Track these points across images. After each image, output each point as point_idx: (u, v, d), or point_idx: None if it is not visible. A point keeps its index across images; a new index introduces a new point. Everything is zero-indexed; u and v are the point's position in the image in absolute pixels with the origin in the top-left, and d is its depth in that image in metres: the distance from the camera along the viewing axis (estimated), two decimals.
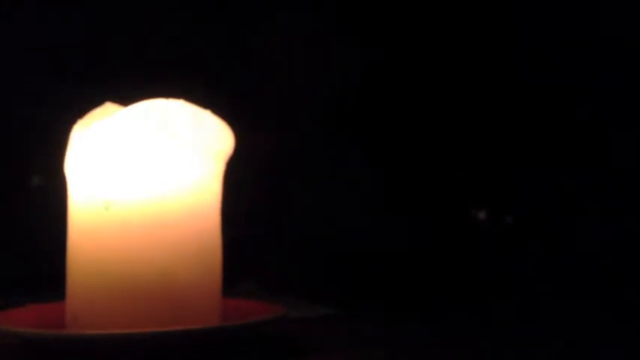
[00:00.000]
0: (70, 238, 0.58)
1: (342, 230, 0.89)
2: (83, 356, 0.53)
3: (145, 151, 0.57)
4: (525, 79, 0.88)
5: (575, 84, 0.86)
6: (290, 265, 0.86)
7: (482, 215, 0.89)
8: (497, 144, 0.90)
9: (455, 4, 0.89)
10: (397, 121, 0.91)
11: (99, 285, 0.56)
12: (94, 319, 0.55)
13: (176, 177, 0.57)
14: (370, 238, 0.88)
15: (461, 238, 0.89)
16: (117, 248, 0.56)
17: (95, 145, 0.57)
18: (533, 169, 0.88)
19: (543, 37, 0.87)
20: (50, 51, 0.87)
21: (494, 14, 0.89)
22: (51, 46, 0.87)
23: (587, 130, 0.87)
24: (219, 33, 0.90)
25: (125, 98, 0.59)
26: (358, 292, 0.81)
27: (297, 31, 0.91)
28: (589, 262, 0.83)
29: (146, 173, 0.57)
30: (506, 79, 0.89)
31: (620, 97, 0.85)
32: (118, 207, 0.56)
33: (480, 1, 0.89)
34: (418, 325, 0.70)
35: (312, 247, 0.87)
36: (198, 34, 0.90)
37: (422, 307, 0.78)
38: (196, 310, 0.56)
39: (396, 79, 0.91)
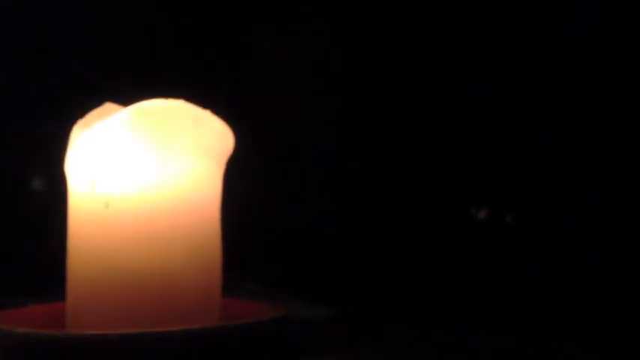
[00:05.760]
0: (70, 238, 0.58)
1: (342, 230, 0.89)
2: (83, 356, 0.53)
3: (144, 151, 0.57)
4: (525, 79, 0.88)
5: (575, 84, 0.86)
6: (290, 265, 0.86)
7: (482, 215, 0.89)
8: (498, 144, 0.90)
9: (454, 3, 0.89)
10: (397, 121, 0.91)
11: (99, 284, 0.56)
12: (94, 319, 0.55)
13: (176, 177, 0.57)
14: (370, 238, 0.88)
15: (461, 238, 0.89)
16: (117, 248, 0.56)
17: (95, 144, 0.57)
18: (533, 169, 0.88)
19: (543, 37, 0.87)
20: (50, 51, 0.87)
21: (494, 14, 0.89)
22: (51, 45, 0.87)
23: (586, 130, 0.87)
24: (220, 33, 0.90)
25: (125, 98, 0.59)
26: (358, 292, 0.81)
27: (297, 31, 0.91)
28: (589, 261, 0.83)
29: (146, 173, 0.57)
30: (505, 79, 0.89)
31: (620, 97, 0.85)
32: (118, 207, 0.56)
33: (480, 1, 0.89)
34: (418, 325, 0.70)
35: (311, 248, 0.87)
36: (199, 34, 0.90)
37: (422, 307, 0.78)
38: (196, 310, 0.56)
39: (396, 79, 0.91)
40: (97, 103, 0.60)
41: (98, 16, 0.88)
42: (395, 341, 0.64)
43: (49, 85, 0.87)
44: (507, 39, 0.88)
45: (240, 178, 0.62)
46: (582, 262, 0.83)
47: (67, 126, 0.59)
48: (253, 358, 0.59)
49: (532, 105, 0.88)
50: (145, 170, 0.57)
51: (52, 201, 0.66)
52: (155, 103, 0.57)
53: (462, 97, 0.89)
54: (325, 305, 0.75)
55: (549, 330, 0.67)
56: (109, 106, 0.60)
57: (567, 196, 0.87)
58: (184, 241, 0.57)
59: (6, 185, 0.87)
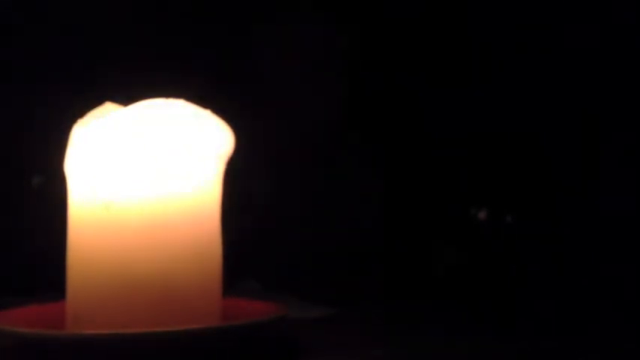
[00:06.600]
0: (70, 238, 0.58)
1: (342, 230, 0.89)
2: (83, 356, 0.53)
3: (145, 151, 0.57)
4: (525, 79, 0.88)
5: (575, 84, 0.86)
6: (290, 265, 0.86)
7: (482, 215, 0.89)
8: (498, 144, 0.90)
9: (454, 3, 0.89)
10: (397, 121, 0.91)
11: (99, 285, 0.56)
12: (94, 319, 0.55)
13: (176, 177, 0.57)
14: (370, 238, 0.88)
15: (461, 238, 0.89)
16: (117, 248, 0.56)
17: (95, 145, 0.57)
18: (532, 169, 0.88)
19: (543, 37, 0.87)
20: (50, 51, 0.87)
21: (494, 14, 0.89)
22: (51, 45, 0.87)
23: (586, 130, 0.87)
24: (220, 33, 0.90)
25: (125, 98, 0.59)
26: (357, 292, 0.81)
27: (297, 31, 0.91)
28: (589, 261, 0.83)
29: (146, 173, 0.57)
30: (505, 79, 0.89)
31: (620, 97, 0.85)
32: (118, 207, 0.56)
33: (480, 3, 0.89)
34: (418, 324, 0.70)
35: (312, 247, 0.87)
36: (199, 34, 0.90)
37: (422, 306, 0.78)
38: (196, 310, 0.56)
39: (397, 79, 0.91)
40: (97, 103, 0.60)
41: (98, 16, 0.88)
42: (395, 341, 0.64)
43: (49, 84, 0.87)
44: (507, 39, 0.88)
45: (240, 178, 0.62)
46: (582, 262, 0.83)
47: (67, 126, 0.59)
48: (253, 358, 0.58)
49: (532, 105, 0.88)
50: (144, 171, 0.57)
51: (52, 201, 0.65)
52: (155, 103, 0.57)
53: (462, 97, 0.89)
54: (325, 305, 0.75)
55: (549, 330, 0.67)
56: (109, 106, 0.60)
57: (567, 196, 0.87)
58: (184, 241, 0.57)
59: (6, 185, 0.87)
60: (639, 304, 0.73)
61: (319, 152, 0.90)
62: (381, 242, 0.88)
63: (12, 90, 0.87)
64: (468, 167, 0.90)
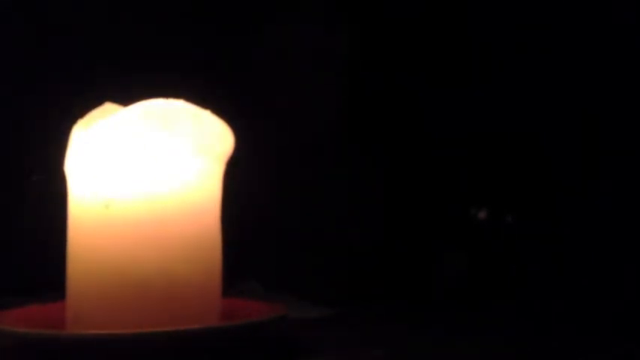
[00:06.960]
0: (70, 238, 0.58)
1: (342, 230, 0.89)
2: (83, 356, 0.53)
3: (145, 151, 0.57)
4: (525, 79, 0.88)
5: (575, 84, 0.86)
6: (290, 265, 0.86)
7: (482, 215, 0.89)
8: (498, 144, 0.90)
9: (454, 3, 0.89)
10: (397, 120, 0.91)
11: (99, 285, 0.56)
12: (94, 319, 0.55)
13: (176, 176, 0.57)
14: (370, 238, 0.88)
15: (461, 238, 0.89)
16: (117, 248, 0.56)
17: (95, 144, 0.57)
18: (533, 169, 0.88)
19: (543, 37, 0.87)
20: (51, 51, 0.87)
21: (494, 14, 0.89)
22: (51, 45, 0.87)
23: (586, 130, 0.87)
24: (220, 33, 0.90)
25: (125, 98, 0.59)
26: (357, 292, 0.81)
27: (297, 32, 0.91)
28: (589, 261, 0.83)
29: (146, 173, 0.57)
30: (505, 79, 0.89)
31: (620, 97, 0.85)
32: (118, 206, 0.56)
33: (480, 3, 0.89)
34: (418, 325, 0.70)
35: (311, 248, 0.87)
36: (199, 34, 0.90)
37: (422, 306, 0.78)
38: (196, 310, 0.56)
39: (397, 79, 0.91)
40: (97, 103, 0.60)
41: (98, 16, 0.88)
42: (395, 341, 0.64)
43: (49, 85, 0.87)
44: (507, 39, 0.88)
45: (240, 178, 0.62)
46: (582, 262, 0.83)
47: (67, 126, 0.59)
48: (253, 358, 0.59)
49: (532, 105, 0.88)
50: (144, 170, 0.57)
51: (52, 201, 0.66)
52: (155, 103, 0.58)
53: (462, 97, 0.89)
54: (325, 305, 0.75)
55: (549, 330, 0.67)
56: (109, 106, 0.60)
57: (567, 196, 0.87)
58: (184, 241, 0.57)
59: (6, 185, 0.87)
60: (639, 304, 0.73)
61: (319, 152, 0.90)
62: (381, 242, 0.88)
63: (12, 90, 0.87)
64: (468, 167, 0.90)
